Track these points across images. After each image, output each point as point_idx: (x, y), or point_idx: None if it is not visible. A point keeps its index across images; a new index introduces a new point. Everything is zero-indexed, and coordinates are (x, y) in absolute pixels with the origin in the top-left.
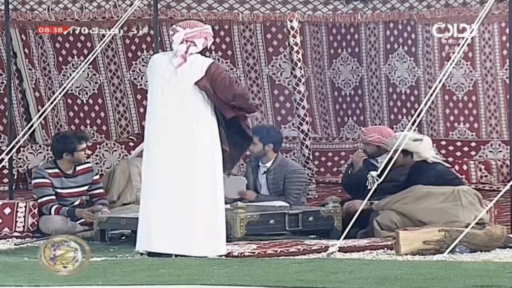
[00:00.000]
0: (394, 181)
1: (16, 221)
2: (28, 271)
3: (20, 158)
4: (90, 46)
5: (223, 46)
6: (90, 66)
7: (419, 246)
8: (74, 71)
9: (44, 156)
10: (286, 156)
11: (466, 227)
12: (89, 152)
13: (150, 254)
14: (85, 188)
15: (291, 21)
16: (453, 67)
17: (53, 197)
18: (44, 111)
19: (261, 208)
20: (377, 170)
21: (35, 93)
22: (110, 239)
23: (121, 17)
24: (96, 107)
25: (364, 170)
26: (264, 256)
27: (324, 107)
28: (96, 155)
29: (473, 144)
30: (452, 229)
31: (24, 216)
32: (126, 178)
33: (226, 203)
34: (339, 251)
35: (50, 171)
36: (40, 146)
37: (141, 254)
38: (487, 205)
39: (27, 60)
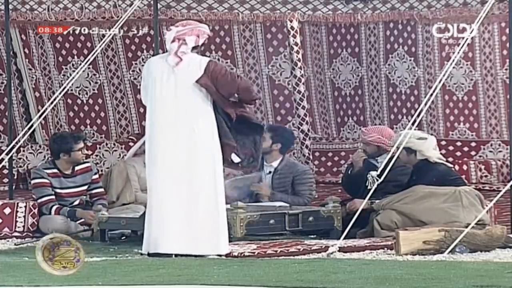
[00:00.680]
0: (394, 181)
1: (16, 221)
2: (28, 271)
3: (20, 158)
4: (90, 46)
5: (223, 46)
6: (90, 66)
7: (419, 246)
8: (74, 71)
9: (44, 156)
10: None
11: (466, 227)
12: (89, 152)
13: (150, 254)
14: (84, 188)
15: (291, 21)
16: (453, 67)
17: (53, 197)
18: (44, 111)
19: (261, 208)
20: (377, 170)
21: (35, 93)
22: (110, 239)
23: (121, 17)
24: (96, 107)
25: (364, 170)
26: (264, 256)
27: (324, 107)
28: (96, 155)
29: (473, 144)
30: (452, 229)
31: (24, 216)
32: (124, 179)
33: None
34: (339, 251)
35: (48, 171)
36: (40, 146)
37: (141, 254)
38: (487, 205)
39: (27, 60)
